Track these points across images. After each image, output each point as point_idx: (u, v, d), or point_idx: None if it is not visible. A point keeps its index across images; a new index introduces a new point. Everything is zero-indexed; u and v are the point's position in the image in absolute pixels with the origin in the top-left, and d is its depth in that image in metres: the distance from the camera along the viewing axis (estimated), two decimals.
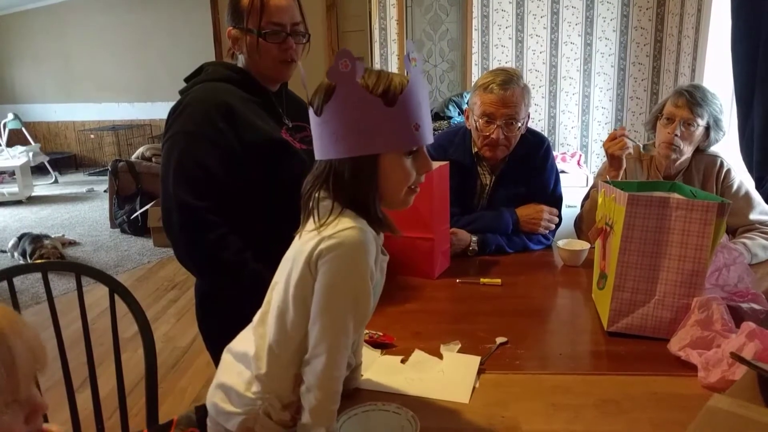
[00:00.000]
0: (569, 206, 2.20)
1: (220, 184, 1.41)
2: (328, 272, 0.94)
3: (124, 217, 5.10)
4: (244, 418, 1.00)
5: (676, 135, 1.90)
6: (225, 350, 1.11)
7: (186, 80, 1.56)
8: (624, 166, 1.95)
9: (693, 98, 1.89)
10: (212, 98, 1.44)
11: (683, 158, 1.97)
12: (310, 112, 1.00)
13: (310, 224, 0.98)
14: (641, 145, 2.03)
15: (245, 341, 1.08)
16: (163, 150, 1.46)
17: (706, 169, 1.98)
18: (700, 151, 1.98)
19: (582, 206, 2.12)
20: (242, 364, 1.05)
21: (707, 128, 1.92)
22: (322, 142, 0.99)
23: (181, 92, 1.51)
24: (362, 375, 1.21)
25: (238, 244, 1.42)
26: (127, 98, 7.91)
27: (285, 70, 1.54)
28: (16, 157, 6.60)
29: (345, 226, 0.95)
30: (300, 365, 0.99)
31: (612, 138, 1.93)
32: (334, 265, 0.93)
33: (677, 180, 1.93)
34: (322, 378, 0.95)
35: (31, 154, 6.75)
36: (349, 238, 0.94)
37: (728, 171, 1.95)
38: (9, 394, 0.73)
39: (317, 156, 1.01)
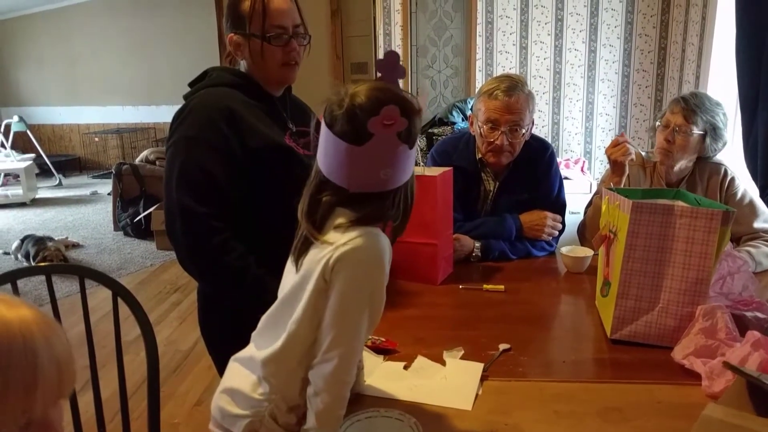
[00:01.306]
0: (573, 213, 2.20)
1: (223, 189, 1.41)
2: (344, 279, 0.94)
3: (128, 220, 5.11)
4: (250, 420, 1.00)
5: (668, 141, 1.91)
6: (231, 359, 1.11)
7: (190, 85, 1.56)
8: (627, 172, 1.95)
9: (687, 105, 1.89)
10: (216, 104, 1.44)
11: (681, 165, 1.96)
12: (327, 132, 0.98)
13: (331, 234, 0.97)
14: (643, 152, 2.03)
15: (251, 347, 1.08)
16: (166, 155, 1.46)
17: (710, 176, 1.97)
18: (703, 158, 1.98)
19: (585, 213, 2.11)
20: (248, 367, 1.05)
21: (704, 136, 1.91)
22: (340, 171, 0.97)
23: (186, 97, 1.52)
24: (365, 381, 1.20)
25: (241, 248, 1.42)
26: (132, 101, 7.93)
27: (289, 72, 1.54)
28: (21, 159, 6.61)
29: (359, 232, 0.95)
30: (307, 369, 0.99)
31: (614, 144, 1.94)
32: (351, 272, 0.94)
33: (681, 187, 1.93)
34: (332, 382, 0.95)
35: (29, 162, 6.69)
36: (364, 244, 0.94)
37: (732, 179, 1.95)
38: (22, 414, 0.65)
39: (330, 176, 0.99)
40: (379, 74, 1.00)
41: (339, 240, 0.95)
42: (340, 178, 0.97)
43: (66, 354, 0.70)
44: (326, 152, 0.99)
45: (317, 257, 0.96)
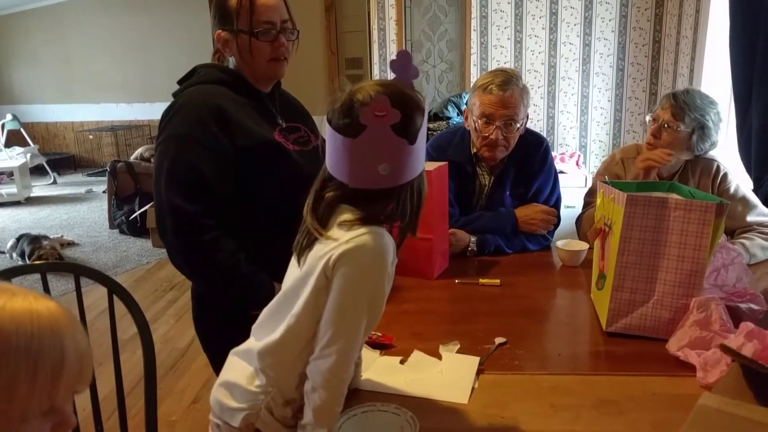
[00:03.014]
0: (568, 206, 2.20)
1: (212, 187, 1.41)
2: (345, 276, 0.94)
3: (123, 217, 5.10)
4: (247, 413, 1.01)
5: (654, 136, 1.92)
6: (231, 353, 1.12)
7: (179, 82, 1.56)
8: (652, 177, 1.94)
9: (677, 102, 1.88)
10: (204, 101, 1.43)
11: (671, 161, 1.95)
12: (327, 126, 0.98)
13: (335, 230, 0.97)
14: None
15: (251, 339, 1.09)
16: (155, 153, 1.45)
17: (701, 172, 1.96)
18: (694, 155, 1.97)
19: (584, 207, 2.12)
20: (246, 360, 1.06)
21: (691, 134, 1.89)
22: (340, 165, 0.98)
23: (174, 94, 1.51)
24: (362, 375, 1.21)
25: (232, 246, 1.42)
26: (126, 99, 7.90)
27: (278, 68, 1.54)
28: (15, 157, 6.59)
29: (363, 231, 0.95)
30: (305, 364, 0.99)
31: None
32: (351, 270, 0.94)
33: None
34: (329, 378, 0.95)
35: (28, 155, 6.73)
36: (367, 243, 0.94)
37: (725, 175, 1.94)
38: (47, 401, 0.69)
39: (333, 172, 0.99)
40: (393, 75, 1.00)
41: (342, 237, 0.95)
42: (341, 173, 0.98)
43: (86, 348, 0.74)
44: (329, 147, 1.00)
45: (320, 253, 0.96)
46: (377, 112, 0.92)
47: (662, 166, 1.92)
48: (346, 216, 0.97)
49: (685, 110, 1.86)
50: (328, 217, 0.99)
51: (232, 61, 1.54)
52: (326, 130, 0.99)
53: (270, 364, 1.01)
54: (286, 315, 1.00)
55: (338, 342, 0.95)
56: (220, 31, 1.49)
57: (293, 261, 1.07)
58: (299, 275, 1.01)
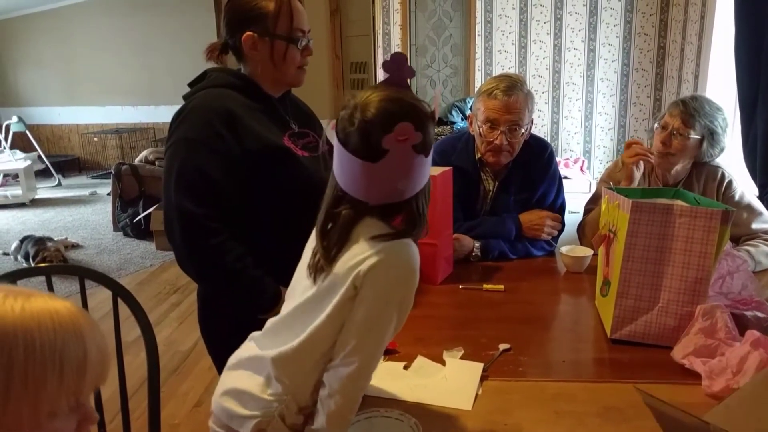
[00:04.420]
0: (572, 212, 2.20)
1: (220, 190, 1.41)
2: (375, 290, 0.94)
3: (127, 220, 5.11)
4: (258, 420, 1.00)
5: (664, 143, 1.90)
6: (230, 358, 1.11)
7: (190, 85, 1.56)
8: (635, 177, 1.93)
9: (686, 108, 1.87)
10: (214, 105, 1.44)
11: (678, 168, 1.94)
12: (340, 147, 0.98)
13: (361, 243, 0.97)
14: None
15: (252, 348, 1.08)
16: (165, 156, 1.46)
17: (706, 179, 1.95)
18: (700, 162, 1.97)
19: (585, 214, 2.11)
20: (252, 368, 1.05)
21: (701, 140, 1.89)
22: (357, 185, 0.98)
23: (185, 98, 1.51)
24: None
25: (239, 250, 1.43)
26: (131, 101, 7.93)
27: (303, 76, 1.56)
28: (20, 159, 6.60)
29: (391, 243, 0.95)
30: (322, 372, 0.99)
31: (627, 146, 1.94)
32: (382, 283, 0.94)
33: None
34: (348, 385, 0.95)
35: (29, 161, 6.68)
36: (397, 253, 0.95)
37: (730, 182, 1.93)
38: (73, 397, 0.71)
39: (348, 190, 0.99)
40: (386, 75, 1.00)
41: (371, 249, 0.95)
42: (358, 193, 0.98)
43: (105, 344, 0.75)
44: (342, 168, 0.99)
45: (348, 265, 0.96)
46: (400, 137, 0.92)
47: (665, 170, 1.91)
48: (376, 229, 0.97)
49: (696, 117, 1.85)
50: (348, 233, 0.99)
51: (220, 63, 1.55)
52: (339, 152, 0.99)
53: (288, 373, 1.00)
54: (304, 325, 0.99)
55: (362, 351, 0.95)
56: (252, 33, 1.46)
57: (302, 274, 1.06)
58: (320, 288, 1.00)
